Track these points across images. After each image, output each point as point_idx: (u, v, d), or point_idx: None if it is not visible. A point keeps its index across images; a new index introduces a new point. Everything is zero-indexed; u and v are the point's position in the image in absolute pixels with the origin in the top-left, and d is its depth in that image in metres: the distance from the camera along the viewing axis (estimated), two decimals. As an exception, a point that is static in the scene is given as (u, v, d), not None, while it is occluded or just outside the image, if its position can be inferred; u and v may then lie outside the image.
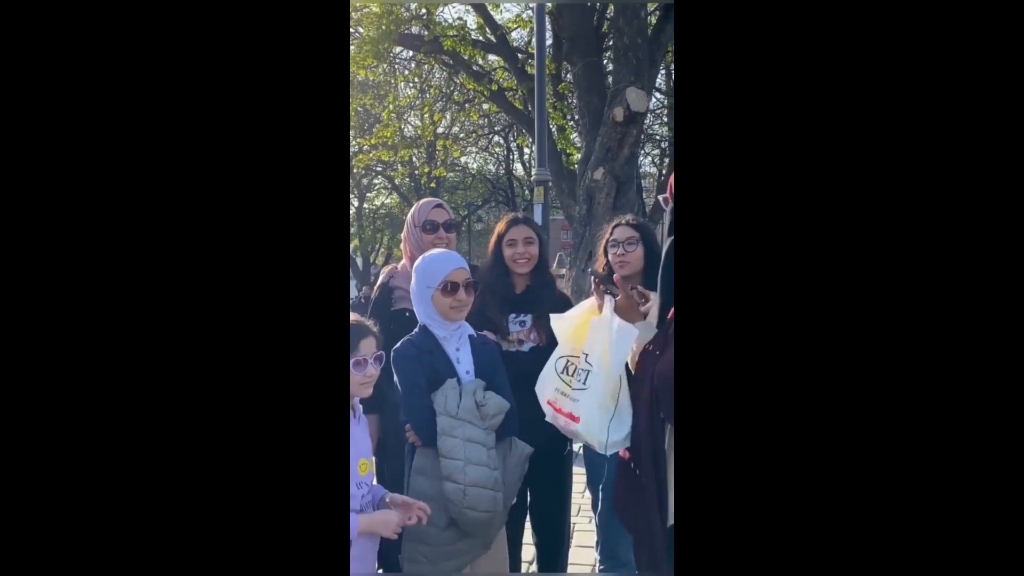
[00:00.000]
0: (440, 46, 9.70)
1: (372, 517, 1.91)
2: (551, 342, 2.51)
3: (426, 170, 14.94)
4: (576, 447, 2.79)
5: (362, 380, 1.93)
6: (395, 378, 2.16)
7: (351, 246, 20.34)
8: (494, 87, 10.39)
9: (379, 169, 17.32)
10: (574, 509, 3.35)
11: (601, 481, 2.68)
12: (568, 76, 10.41)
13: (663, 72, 11.35)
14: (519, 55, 10.54)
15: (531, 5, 9.72)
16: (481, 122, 14.80)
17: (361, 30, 9.42)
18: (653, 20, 7.87)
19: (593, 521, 2.87)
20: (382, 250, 21.35)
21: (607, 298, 2.21)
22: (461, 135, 15.75)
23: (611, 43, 8.96)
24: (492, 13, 10.58)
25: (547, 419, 2.23)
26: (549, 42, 8.75)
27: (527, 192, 16.96)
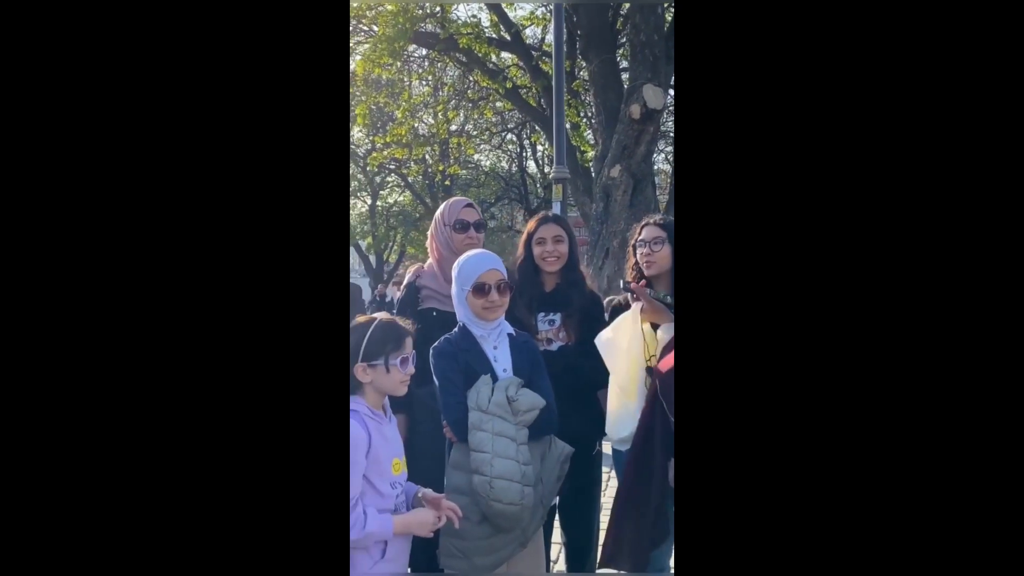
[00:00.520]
0: (455, 44, 9.70)
1: (407, 518, 1.92)
2: (580, 340, 2.52)
3: (440, 168, 14.92)
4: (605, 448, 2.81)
5: (403, 379, 1.95)
6: (433, 375, 2.18)
7: (364, 244, 20.39)
8: (508, 84, 10.38)
9: (392, 167, 17.33)
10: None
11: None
12: (582, 73, 10.40)
13: (679, 69, 11.28)
14: (533, 52, 10.52)
15: (547, 3, 9.72)
16: (495, 119, 14.79)
17: (376, 28, 9.43)
18: (669, 16, 7.84)
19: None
20: (395, 248, 21.37)
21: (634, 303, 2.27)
22: (475, 133, 15.73)
23: (626, 40, 8.95)
24: (506, 11, 10.57)
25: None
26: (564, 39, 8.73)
27: (540, 189, 16.93)
